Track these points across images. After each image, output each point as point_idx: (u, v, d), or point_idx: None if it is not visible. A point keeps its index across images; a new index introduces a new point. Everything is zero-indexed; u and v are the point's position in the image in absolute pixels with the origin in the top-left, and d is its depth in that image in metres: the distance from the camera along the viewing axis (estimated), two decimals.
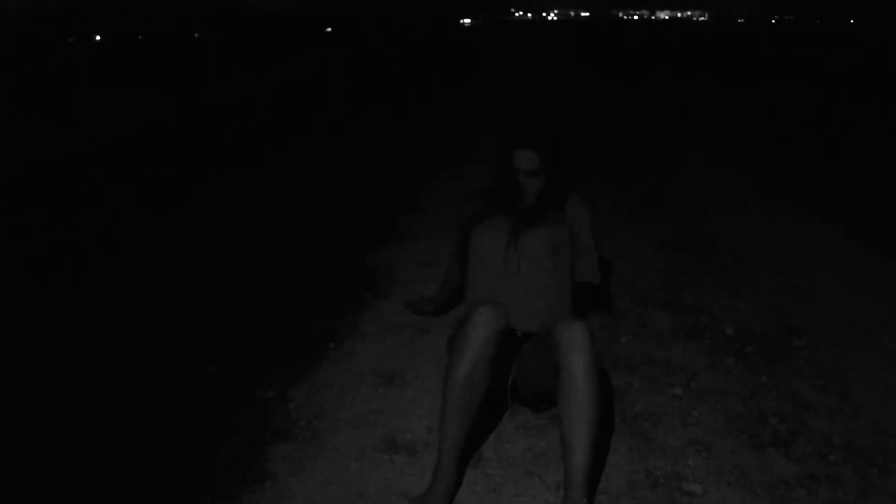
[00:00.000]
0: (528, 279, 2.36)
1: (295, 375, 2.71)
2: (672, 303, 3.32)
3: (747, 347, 2.88)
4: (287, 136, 8.40)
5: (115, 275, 3.78)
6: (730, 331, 3.01)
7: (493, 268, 2.39)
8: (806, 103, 10.82)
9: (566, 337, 1.92)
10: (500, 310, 2.02)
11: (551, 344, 1.97)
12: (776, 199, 5.24)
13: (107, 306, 3.38)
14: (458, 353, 1.96)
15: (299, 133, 8.64)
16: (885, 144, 7.45)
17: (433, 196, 5.31)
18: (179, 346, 2.97)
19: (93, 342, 3.00)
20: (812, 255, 3.96)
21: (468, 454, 2.09)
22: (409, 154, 7.04)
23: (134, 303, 3.42)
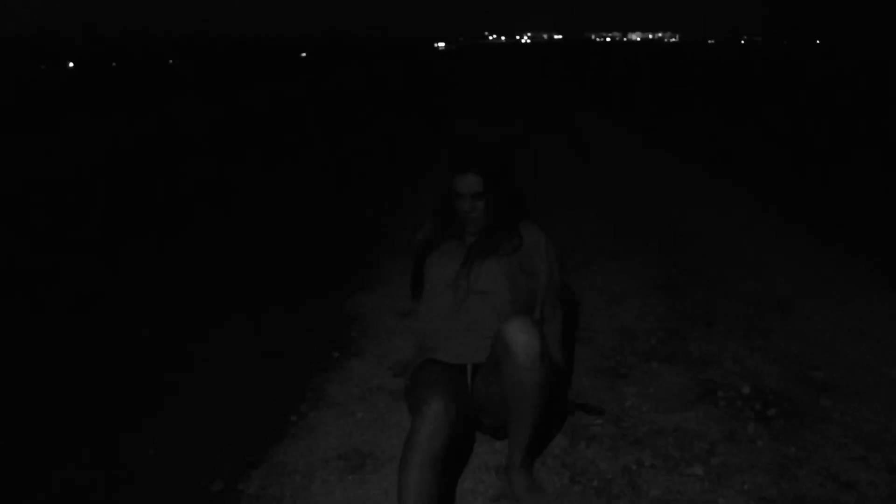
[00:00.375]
0: (480, 309, 2.27)
1: (249, 459, 2.31)
2: (677, 355, 2.97)
3: (769, 409, 2.53)
4: (250, 169, 8.01)
5: (61, 323, 3.36)
6: (746, 389, 2.66)
7: (443, 298, 2.32)
8: (793, 126, 10.65)
9: (504, 331, 1.92)
10: (449, 407, 1.91)
11: (498, 349, 1.96)
12: (775, 228, 4.94)
13: (48, 366, 2.96)
14: (407, 455, 1.86)
15: (266, 168, 8.24)
16: (886, 172, 7.23)
17: (406, 233, 4.93)
18: (121, 419, 2.55)
19: (23, 412, 2.58)
20: (824, 294, 3.63)
21: None
22: (380, 186, 6.69)
23: (73, 365, 3.00)
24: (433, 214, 2.44)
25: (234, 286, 3.92)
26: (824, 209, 5.38)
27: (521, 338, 1.90)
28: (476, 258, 2.30)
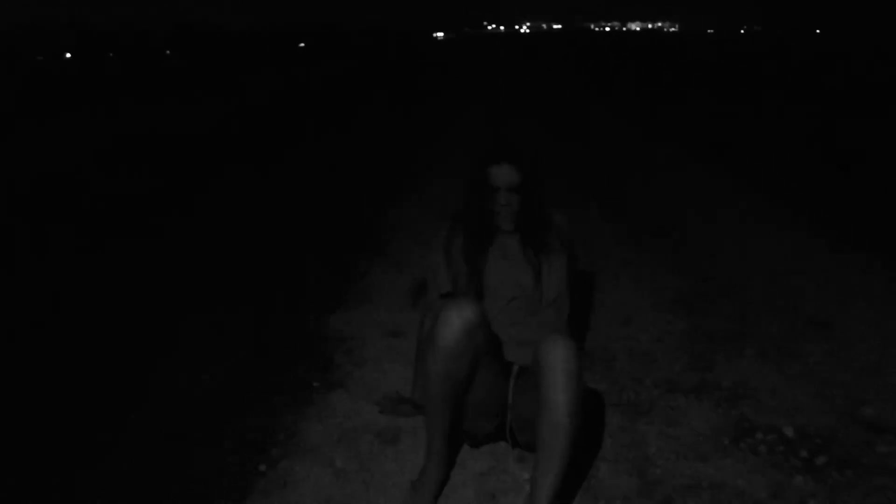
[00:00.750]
0: (522, 308, 2.20)
1: None
2: (706, 386, 2.60)
3: (817, 457, 2.16)
4: (238, 169, 7.62)
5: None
6: (789, 431, 2.29)
7: (509, 306, 2.21)
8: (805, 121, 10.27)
9: (549, 360, 1.78)
10: (473, 303, 1.89)
11: (534, 367, 1.83)
12: (799, 230, 4.56)
13: None
14: (433, 345, 1.85)
15: (242, 163, 7.86)
16: None
17: (398, 234, 4.57)
18: (62, 476, 2.18)
19: None
20: (865, 308, 3.26)
21: (457, 439, 2.09)
22: (369, 180, 6.31)
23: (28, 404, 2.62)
24: (464, 210, 2.30)
25: (200, 298, 3.55)
26: (848, 207, 5.02)
27: (557, 354, 1.77)
28: (542, 264, 2.22)
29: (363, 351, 2.91)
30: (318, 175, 6.76)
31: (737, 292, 3.48)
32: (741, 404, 2.47)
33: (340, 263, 4.01)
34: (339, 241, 4.48)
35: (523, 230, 2.24)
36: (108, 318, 3.34)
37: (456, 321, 1.82)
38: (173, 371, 2.78)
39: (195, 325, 3.20)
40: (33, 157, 8.42)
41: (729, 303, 3.36)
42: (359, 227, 4.78)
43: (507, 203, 2.18)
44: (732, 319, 3.17)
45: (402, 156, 7.63)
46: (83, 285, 3.80)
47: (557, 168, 6.36)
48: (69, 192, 6.29)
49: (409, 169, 6.80)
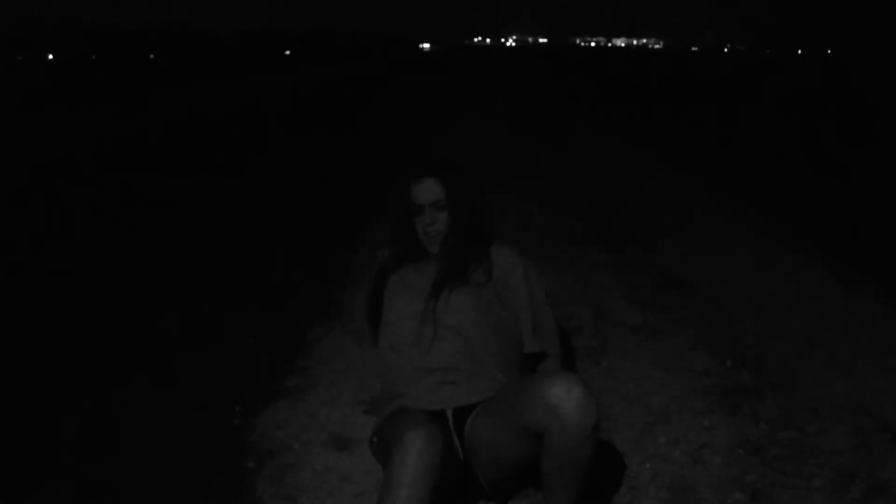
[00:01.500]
0: (454, 347, 1.92)
1: None
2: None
3: None
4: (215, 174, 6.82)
5: None
6: None
7: (406, 334, 1.96)
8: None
9: (559, 396, 1.55)
10: (435, 437, 1.57)
11: (533, 402, 1.59)
12: (849, 287, 3.86)
13: None
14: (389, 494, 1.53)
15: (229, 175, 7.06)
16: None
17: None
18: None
19: None
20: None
21: None
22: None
23: None
24: (391, 235, 2.12)
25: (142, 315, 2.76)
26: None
27: (573, 407, 1.55)
28: (444, 288, 1.96)
29: (297, 476, 2.13)
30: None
31: (787, 377, 2.75)
32: None
33: (288, 324, 3.24)
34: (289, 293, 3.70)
35: (451, 253, 2.00)
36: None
37: (421, 462, 1.53)
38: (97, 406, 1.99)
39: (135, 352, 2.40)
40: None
41: (780, 397, 2.62)
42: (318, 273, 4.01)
43: (431, 222, 1.98)
44: (788, 425, 2.43)
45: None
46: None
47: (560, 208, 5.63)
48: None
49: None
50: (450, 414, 1.86)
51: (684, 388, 2.68)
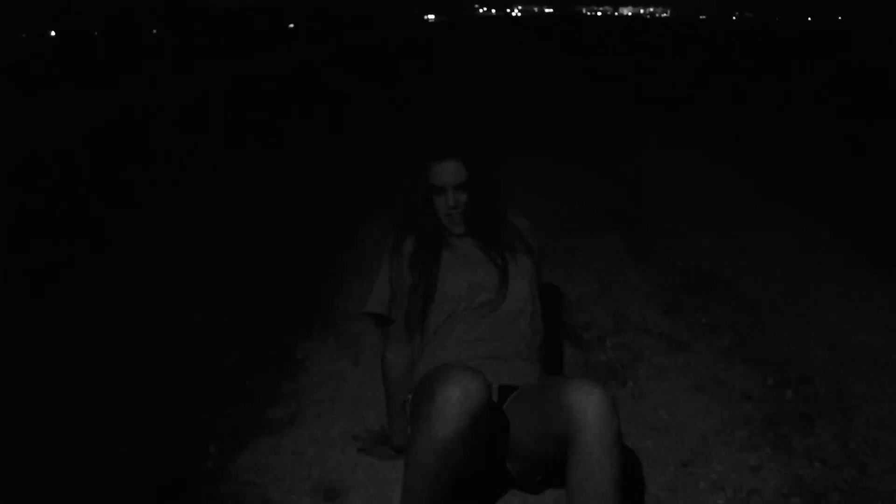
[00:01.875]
0: (510, 325, 1.88)
1: None
2: None
3: None
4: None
5: None
6: None
7: (459, 311, 1.88)
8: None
9: (579, 403, 1.50)
10: (477, 382, 1.48)
11: (555, 407, 1.55)
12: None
13: None
14: (426, 431, 1.46)
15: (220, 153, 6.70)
16: None
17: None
18: None
19: None
20: None
21: None
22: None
23: None
24: (409, 217, 2.03)
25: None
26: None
27: (598, 419, 1.48)
28: (501, 258, 1.95)
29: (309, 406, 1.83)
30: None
31: (838, 405, 2.42)
32: None
33: (278, 343, 2.91)
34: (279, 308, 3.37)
35: (476, 232, 1.99)
36: None
37: (459, 403, 1.46)
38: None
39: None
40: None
41: (830, 425, 2.29)
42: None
43: (455, 204, 1.94)
44: (844, 461, 2.10)
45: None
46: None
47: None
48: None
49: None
50: (496, 389, 1.77)
51: (723, 415, 2.35)
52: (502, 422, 1.73)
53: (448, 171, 1.93)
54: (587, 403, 1.50)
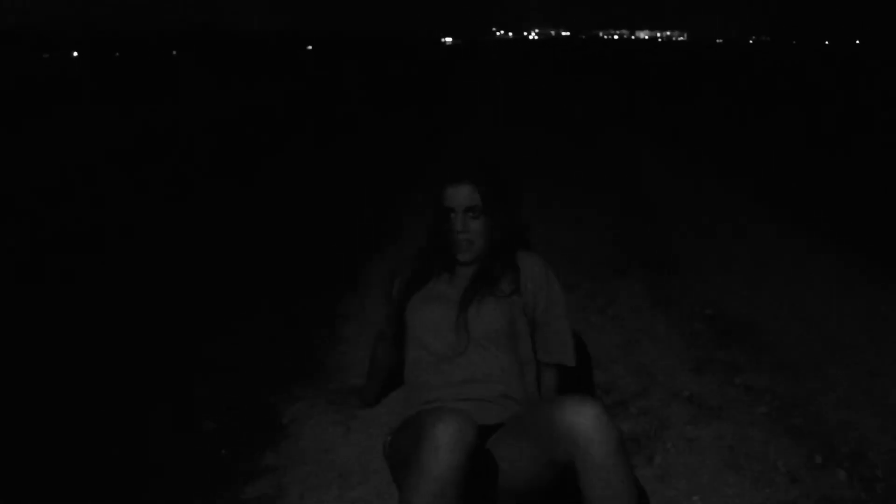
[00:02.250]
0: (482, 363, 1.85)
1: None
2: None
3: None
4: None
5: None
6: None
7: (435, 351, 1.88)
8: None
9: (574, 420, 1.47)
10: (468, 420, 1.47)
11: (548, 431, 1.51)
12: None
13: None
14: (417, 470, 1.41)
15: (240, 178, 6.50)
16: None
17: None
18: None
19: None
20: None
21: None
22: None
23: None
24: (422, 248, 2.02)
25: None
26: None
27: (597, 431, 1.46)
28: (473, 300, 1.88)
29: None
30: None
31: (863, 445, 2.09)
32: None
33: (255, 396, 2.62)
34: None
35: (488, 268, 1.95)
36: None
37: (454, 441, 1.41)
38: None
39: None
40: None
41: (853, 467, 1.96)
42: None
43: (462, 228, 1.90)
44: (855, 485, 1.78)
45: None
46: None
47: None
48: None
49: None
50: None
51: (767, 502, 2.03)
52: (489, 463, 1.65)
53: (461, 194, 1.89)
54: (582, 418, 1.47)
